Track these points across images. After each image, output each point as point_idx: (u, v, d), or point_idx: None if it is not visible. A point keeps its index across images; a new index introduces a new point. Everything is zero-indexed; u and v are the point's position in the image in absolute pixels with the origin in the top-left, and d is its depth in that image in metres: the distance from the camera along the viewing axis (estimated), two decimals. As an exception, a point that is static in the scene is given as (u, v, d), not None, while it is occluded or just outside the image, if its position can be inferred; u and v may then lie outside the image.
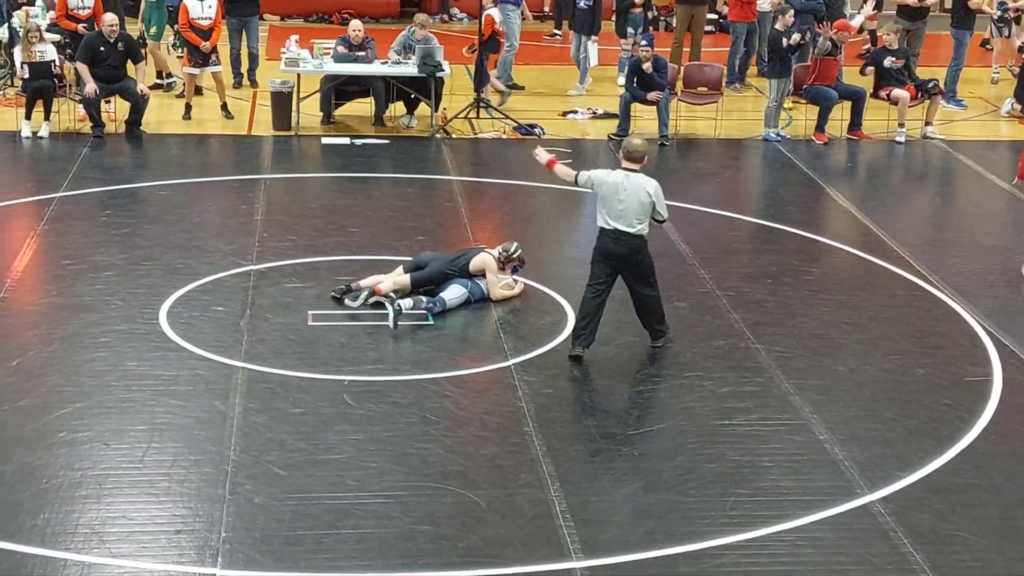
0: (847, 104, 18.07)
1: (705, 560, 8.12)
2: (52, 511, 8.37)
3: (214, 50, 18.00)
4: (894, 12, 20.66)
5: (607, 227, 10.61)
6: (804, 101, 18.32)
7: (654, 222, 10.74)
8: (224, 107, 18.18)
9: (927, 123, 18.34)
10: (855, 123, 18.12)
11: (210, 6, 17.95)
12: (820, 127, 17.91)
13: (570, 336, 10.92)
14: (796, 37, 17.78)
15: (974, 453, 9.55)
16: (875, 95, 18.21)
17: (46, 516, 8.31)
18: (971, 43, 20.52)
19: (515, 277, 12.07)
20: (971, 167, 17.18)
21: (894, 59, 18.12)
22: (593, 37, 20.05)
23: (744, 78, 20.89)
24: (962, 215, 15.72)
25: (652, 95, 17.43)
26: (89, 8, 18.19)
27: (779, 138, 17.92)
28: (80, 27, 17.90)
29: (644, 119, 18.02)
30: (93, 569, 7.84)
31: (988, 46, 22.32)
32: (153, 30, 18.99)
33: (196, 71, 18.16)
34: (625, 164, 10.72)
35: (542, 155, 11.26)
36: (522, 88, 20.23)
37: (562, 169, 11.10)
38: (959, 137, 18.40)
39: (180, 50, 18.83)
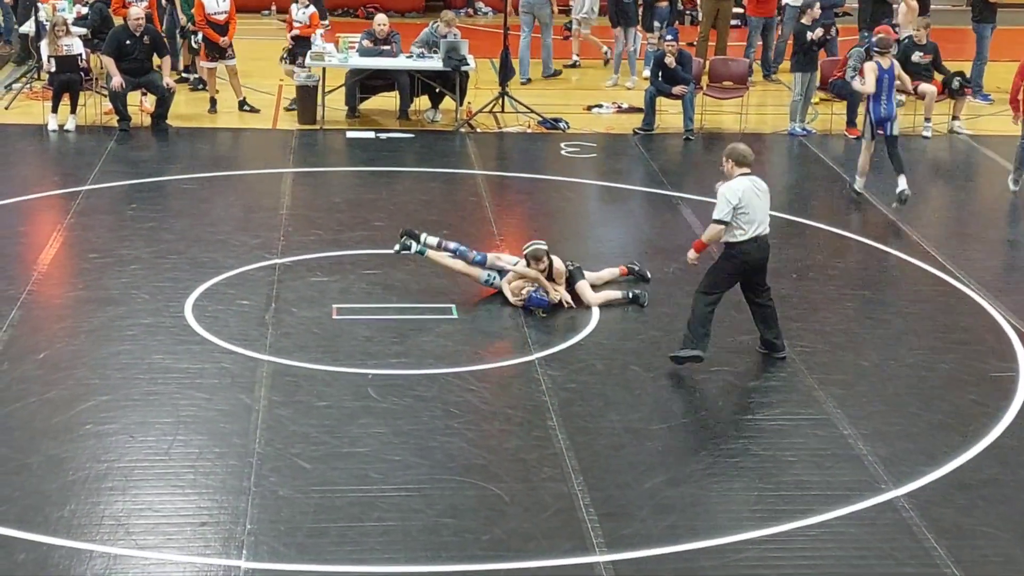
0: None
1: (728, 555, 8.12)
2: (78, 503, 8.42)
3: (230, 44, 18.05)
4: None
5: (749, 237, 10.30)
6: (832, 96, 18.25)
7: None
8: (242, 104, 18.20)
9: (954, 118, 18.28)
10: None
11: (225, 0, 18.01)
12: (851, 121, 17.85)
13: (687, 342, 10.50)
14: (819, 32, 17.73)
15: (999, 448, 9.52)
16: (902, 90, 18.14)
17: (72, 508, 8.36)
18: (993, 36, 20.41)
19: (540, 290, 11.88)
20: (997, 162, 17.10)
21: (922, 54, 18.06)
22: (639, 27, 20.05)
23: (772, 71, 20.87)
24: (988, 210, 15.66)
25: (677, 89, 17.41)
26: (146, 1, 18.31)
27: (804, 132, 17.88)
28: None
29: (669, 113, 18.01)
30: (119, 561, 7.89)
31: None
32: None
33: (213, 65, 18.21)
34: (739, 171, 10.46)
35: (691, 255, 10.87)
36: (559, 73, 20.73)
37: (711, 236, 10.52)
38: (986, 132, 18.33)
39: (194, 40, 18.87)
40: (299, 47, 18.17)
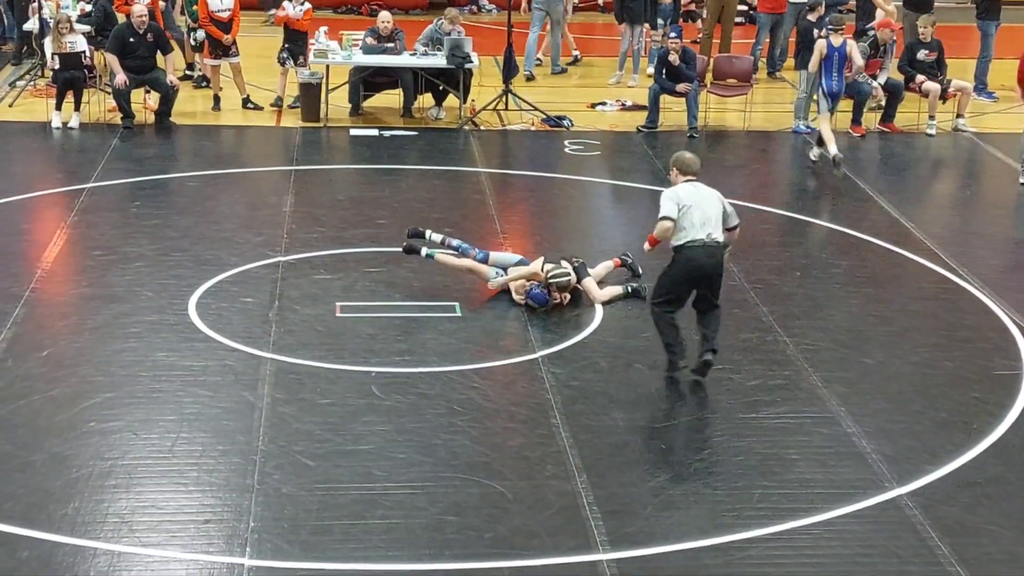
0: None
1: (732, 553, 8.12)
2: (82, 500, 8.42)
3: (234, 42, 18.05)
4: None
5: (694, 239, 10.04)
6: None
7: (727, 232, 10.39)
8: (246, 101, 18.20)
9: (958, 115, 18.26)
10: (887, 115, 18.06)
11: None
12: (856, 120, 17.84)
13: (673, 358, 10.41)
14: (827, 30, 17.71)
15: (1003, 446, 9.52)
16: (906, 87, 18.13)
17: (76, 505, 8.36)
18: (997, 33, 20.42)
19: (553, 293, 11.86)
20: (1002, 160, 17.09)
21: (927, 52, 18.06)
22: (647, 26, 20.04)
23: (777, 68, 20.88)
24: (992, 208, 15.65)
25: (681, 87, 17.41)
26: None
27: (809, 130, 17.86)
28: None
29: (673, 111, 18.00)
30: (122, 558, 7.89)
31: None
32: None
33: (216, 62, 18.21)
34: (683, 179, 10.40)
35: (646, 247, 10.78)
36: (565, 71, 20.79)
37: (659, 232, 10.25)
38: (990, 130, 18.32)
39: (193, 37, 18.89)
40: (295, 43, 18.07)
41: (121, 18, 18.07)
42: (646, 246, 10.64)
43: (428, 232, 12.18)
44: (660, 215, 10.20)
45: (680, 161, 10.50)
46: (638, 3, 19.97)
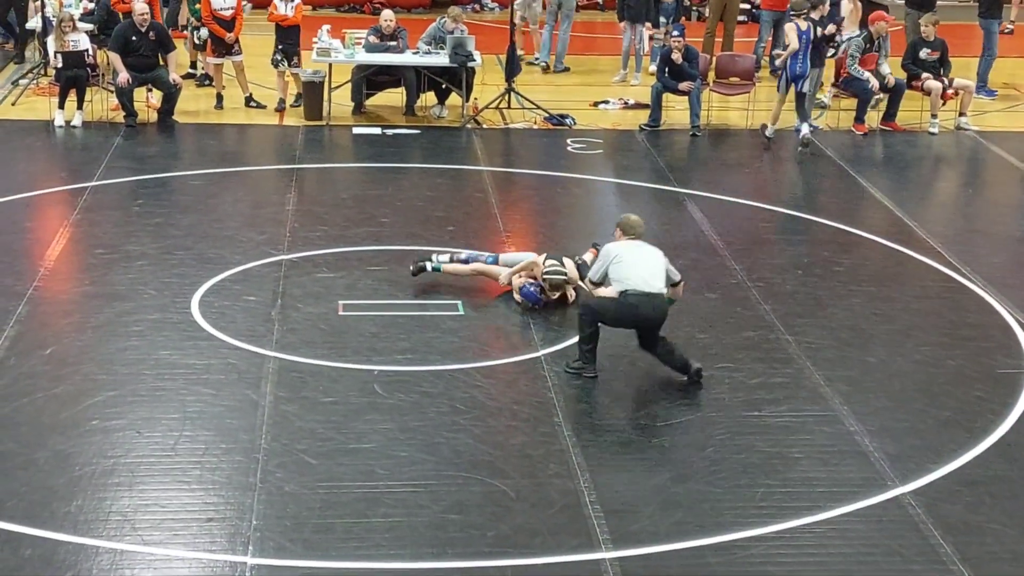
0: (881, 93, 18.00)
1: (734, 551, 8.12)
2: (85, 499, 8.43)
3: (237, 40, 18.05)
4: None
5: (634, 289, 10.09)
6: (844, 92, 18.24)
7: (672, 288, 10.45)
8: (248, 100, 18.20)
9: (960, 114, 18.25)
10: (890, 113, 18.05)
11: None
12: (860, 118, 17.83)
13: (583, 362, 10.40)
14: (831, 28, 17.72)
15: (1005, 445, 9.51)
16: (909, 86, 18.12)
17: (79, 503, 8.37)
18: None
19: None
20: (1004, 158, 17.10)
21: (929, 51, 18.06)
22: (648, 24, 20.04)
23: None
24: (994, 206, 15.64)
25: (684, 85, 17.41)
26: None
27: (812, 128, 17.84)
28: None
29: (676, 109, 18.00)
30: (125, 556, 7.89)
31: None
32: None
33: (219, 60, 18.21)
34: (625, 238, 10.45)
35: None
36: (568, 69, 20.81)
37: (588, 293, 10.58)
38: (993, 128, 18.31)
39: (196, 36, 18.90)
40: (287, 42, 18.02)
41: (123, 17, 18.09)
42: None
43: (433, 256, 12.13)
44: (587, 276, 10.59)
45: (624, 223, 10.57)
46: (639, 2, 19.96)
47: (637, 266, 10.19)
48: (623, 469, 9.02)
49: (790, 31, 16.94)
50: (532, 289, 11.52)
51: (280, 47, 18.00)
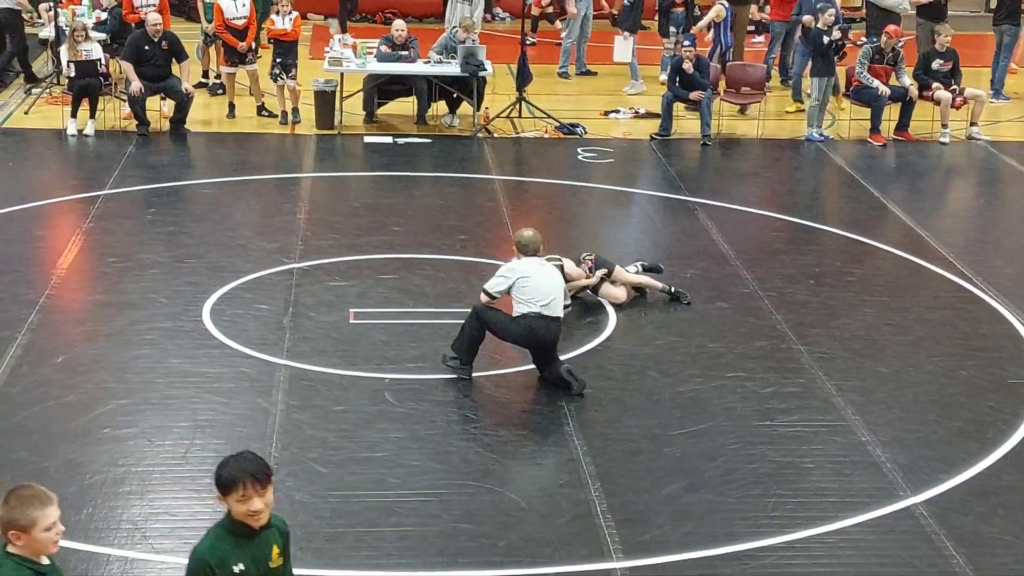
0: (892, 103, 17.99)
1: (746, 561, 8.10)
2: (96, 507, 8.43)
3: (250, 49, 18.08)
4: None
5: (535, 312, 10.11)
6: (856, 102, 18.22)
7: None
8: (260, 108, 18.22)
9: (972, 124, 18.24)
10: (902, 123, 18.04)
11: (244, 5, 18.01)
12: (875, 128, 17.83)
13: (459, 364, 10.43)
14: (836, 35, 17.74)
15: (1017, 456, 9.49)
16: (920, 95, 18.10)
17: (90, 512, 8.37)
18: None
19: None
20: (1016, 168, 17.07)
21: (942, 62, 18.06)
22: (626, 34, 20.07)
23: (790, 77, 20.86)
24: (1006, 216, 15.63)
25: (694, 95, 17.41)
26: (154, 6, 18.34)
27: (822, 138, 17.86)
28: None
29: (686, 119, 18.00)
30: (135, 565, 7.90)
31: None
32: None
33: (233, 70, 18.24)
34: (525, 258, 10.39)
35: None
36: (595, 74, 21.01)
37: (482, 301, 10.44)
38: (1005, 138, 18.29)
39: (209, 47, 18.98)
40: (285, 55, 18.05)
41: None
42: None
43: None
44: (484, 286, 10.38)
45: (519, 243, 10.50)
46: (636, 11, 20.00)
47: (541, 290, 10.18)
48: (634, 479, 9.01)
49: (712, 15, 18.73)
50: None
51: (278, 60, 18.03)
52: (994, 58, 20.55)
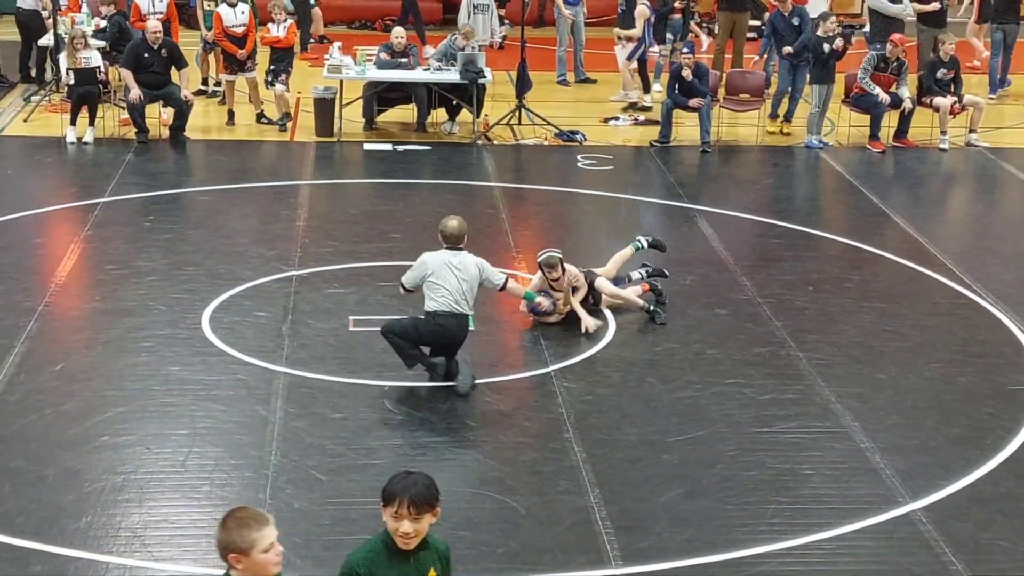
0: (891, 110, 18.00)
1: (745, 568, 8.10)
2: (94, 515, 8.43)
3: (250, 56, 18.10)
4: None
5: (443, 310, 10.19)
6: (856, 109, 18.21)
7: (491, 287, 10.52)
8: (260, 116, 18.23)
9: (971, 130, 18.25)
10: (901, 130, 18.05)
11: (243, 12, 18.04)
12: (874, 135, 17.83)
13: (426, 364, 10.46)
14: (839, 43, 17.75)
15: (1016, 462, 9.48)
16: (919, 102, 18.12)
17: (88, 520, 8.37)
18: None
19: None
20: (1015, 175, 17.08)
21: (945, 70, 18.08)
22: (624, 41, 20.08)
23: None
24: (1005, 223, 15.62)
25: (694, 102, 17.41)
26: (161, 14, 18.36)
27: (821, 145, 17.86)
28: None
29: (686, 126, 18.01)
30: (134, 573, 7.89)
31: None
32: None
33: (232, 77, 18.26)
34: (445, 245, 10.41)
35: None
36: (595, 81, 20.97)
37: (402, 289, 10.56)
38: (1003, 144, 18.30)
39: (209, 54, 19.02)
40: (281, 62, 18.08)
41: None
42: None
43: None
44: (401, 279, 10.48)
45: (441, 231, 10.51)
46: (627, 17, 20.02)
47: (448, 286, 10.21)
48: (633, 485, 9.00)
49: (640, 16, 19.11)
50: (538, 300, 11.51)
51: (271, 67, 18.07)
52: (992, 56, 21.14)
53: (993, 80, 20.97)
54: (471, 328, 10.98)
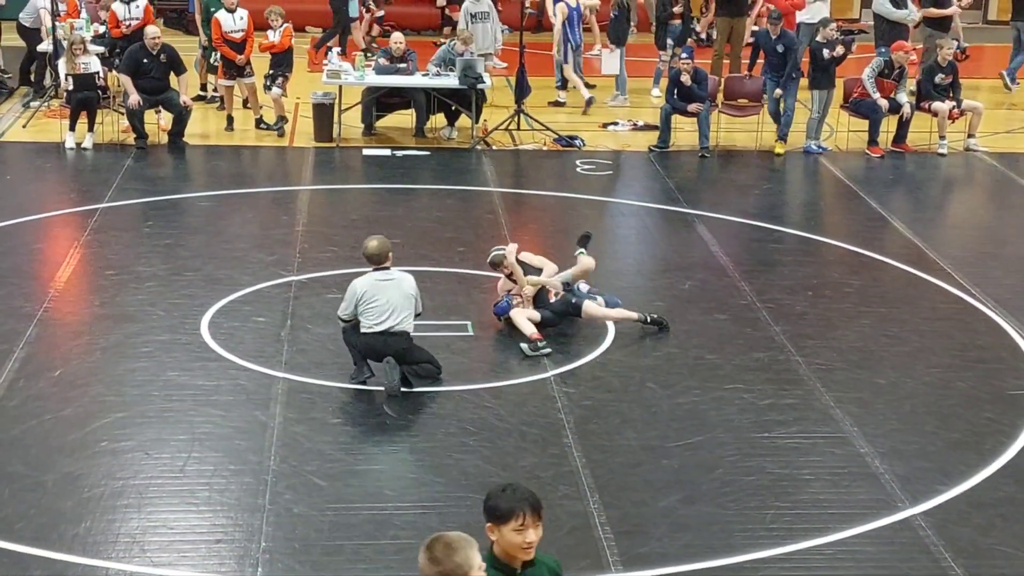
0: (890, 115, 18.01)
1: (744, 573, 8.09)
2: (93, 520, 8.42)
3: (248, 62, 18.10)
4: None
5: (378, 331, 10.29)
6: (854, 114, 18.22)
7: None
8: (259, 121, 18.22)
9: (970, 135, 18.26)
10: (900, 135, 18.06)
11: (241, 18, 18.05)
12: (873, 140, 17.83)
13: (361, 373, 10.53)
14: (840, 49, 17.77)
15: (1015, 467, 9.48)
16: (917, 106, 18.12)
17: (87, 525, 8.36)
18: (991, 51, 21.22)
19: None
20: (1014, 179, 17.08)
21: (943, 75, 18.09)
22: (611, 46, 20.08)
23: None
24: (1004, 227, 15.61)
25: (693, 107, 17.42)
26: (138, 20, 18.35)
27: (820, 150, 17.87)
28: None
29: (685, 131, 18.01)
30: (134, 578, 7.89)
31: None
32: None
33: (231, 83, 18.26)
34: (371, 267, 10.50)
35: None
36: (594, 86, 20.80)
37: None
38: (1002, 149, 18.30)
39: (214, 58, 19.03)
40: (279, 67, 18.09)
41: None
42: None
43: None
44: (337, 312, 10.54)
45: (364, 252, 10.57)
46: (622, 24, 20.03)
47: (379, 308, 10.29)
48: (632, 491, 9.00)
49: (559, 11, 19.35)
50: (503, 303, 11.52)
51: (269, 72, 18.09)
52: (1012, 53, 21.44)
53: (1012, 76, 21.31)
54: (470, 333, 10.99)
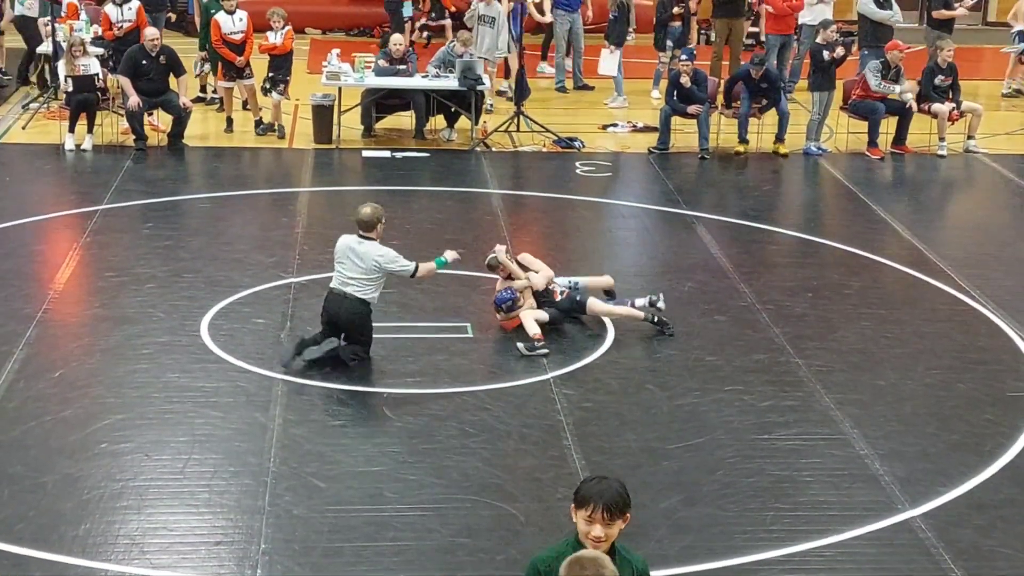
0: (890, 117, 18.01)
1: (744, 575, 8.09)
2: (93, 522, 8.42)
3: (247, 64, 18.09)
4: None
5: (331, 288, 10.84)
6: (854, 116, 18.22)
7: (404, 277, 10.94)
8: (258, 123, 18.21)
9: (969, 137, 18.26)
10: (899, 137, 18.06)
11: (241, 19, 18.04)
12: (873, 142, 17.83)
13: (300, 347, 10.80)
14: (840, 51, 17.77)
15: (1016, 468, 9.48)
16: (918, 109, 18.11)
17: (87, 527, 8.36)
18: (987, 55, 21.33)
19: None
20: (1014, 181, 17.08)
21: (943, 77, 18.10)
22: (611, 48, 20.08)
23: (788, 91, 20.89)
24: (1004, 229, 15.61)
25: (692, 108, 17.42)
26: (130, 22, 18.34)
27: (820, 151, 17.87)
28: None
29: (684, 132, 18.01)
30: (133, 580, 7.89)
31: None
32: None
33: (230, 84, 18.26)
34: (359, 231, 10.81)
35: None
36: (592, 88, 20.92)
37: None
38: (1002, 150, 18.30)
39: (205, 66, 19.07)
40: (278, 69, 18.11)
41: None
42: None
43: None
44: None
45: (355, 217, 10.90)
46: (621, 25, 20.04)
47: (342, 268, 10.76)
48: (632, 492, 8.91)
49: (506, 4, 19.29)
50: (503, 294, 11.52)
51: (269, 75, 18.08)
52: None
53: None
54: (470, 335, 10.99)
